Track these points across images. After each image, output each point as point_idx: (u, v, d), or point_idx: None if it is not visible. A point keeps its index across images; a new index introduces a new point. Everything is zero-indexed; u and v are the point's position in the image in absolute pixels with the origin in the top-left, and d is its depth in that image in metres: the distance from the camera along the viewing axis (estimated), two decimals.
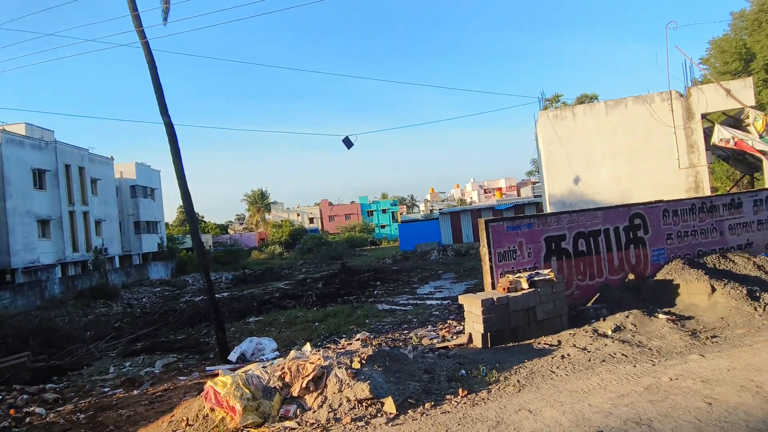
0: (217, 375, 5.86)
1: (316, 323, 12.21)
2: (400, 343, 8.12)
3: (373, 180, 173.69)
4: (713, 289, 7.90)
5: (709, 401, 4.31)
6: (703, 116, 14.62)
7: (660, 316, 7.40)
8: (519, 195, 67.79)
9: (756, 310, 7.34)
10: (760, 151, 13.14)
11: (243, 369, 5.61)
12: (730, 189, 22.33)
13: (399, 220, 66.70)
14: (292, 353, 5.85)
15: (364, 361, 5.31)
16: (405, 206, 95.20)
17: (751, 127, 13.55)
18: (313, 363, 5.24)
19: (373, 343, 7.71)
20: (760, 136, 13.16)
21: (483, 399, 4.89)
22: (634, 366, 5.48)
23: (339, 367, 5.15)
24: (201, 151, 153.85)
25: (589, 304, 8.32)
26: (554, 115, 15.87)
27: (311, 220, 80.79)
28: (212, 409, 5.07)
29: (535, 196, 49.23)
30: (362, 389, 4.85)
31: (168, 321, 15.57)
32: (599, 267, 8.89)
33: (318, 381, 5.08)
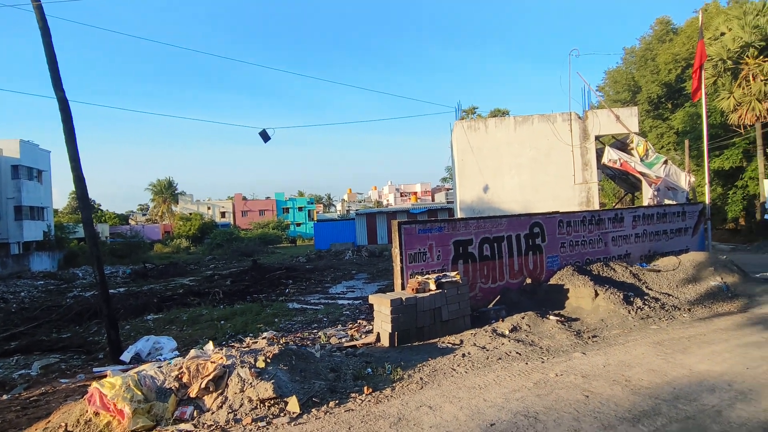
0: (105, 376, 5.37)
1: (222, 321, 11.68)
2: (309, 342, 8.03)
3: (290, 177, 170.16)
4: (596, 294, 8.79)
5: (587, 394, 4.79)
6: (597, 138, 16.25)
7: (551, 317, 8.07)
8: (433, 200, 70.32)
9: (630, 313, 8.29)
10: (641, 173, 14.88)
11: (136, 369, 5.20)
12: (615, 205, 25.01)
13: (315, 219, 66.07)
14: (192, 352, 5.53)
15: (269, 360, 5.17)
16: (322, 205, 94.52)
17: (635, 151, 15.31)
18: (214, 362, 5.00)
19: (281, 342, 7.54)
20: (641, 160, 14.92)
21: (387, 396, 4.99)
22: (526, 363, 5.93)
23: (242, 366, 4.97)
24: (100, 133, 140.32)
25: (491, 306, 8.84)
26: (468, 126, 16.69)
27: (223, 215, 77.15)
28: (96, 413, 4.63)
29: (448, 202, 51.37)
30: (265, 389, 4.72)
31: (51, 318, 13.97)
32: (501, 271, 9.50)
33: (219, 381, 4.86)
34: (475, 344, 6.81)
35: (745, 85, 26.02)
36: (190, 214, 69.38)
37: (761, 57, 25.77)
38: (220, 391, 4.78)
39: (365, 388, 5.14)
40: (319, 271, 23.74)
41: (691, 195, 15.69)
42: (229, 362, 5.02)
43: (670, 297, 9.25)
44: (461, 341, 7.03)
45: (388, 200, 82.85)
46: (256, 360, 5.12)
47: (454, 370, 5.77)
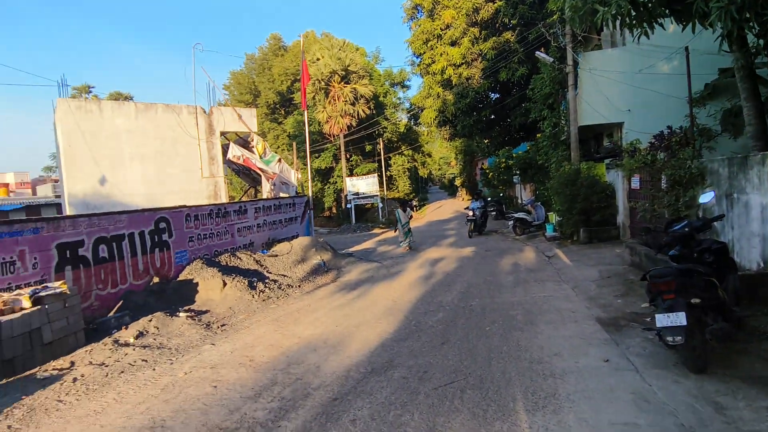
0: None
1: None
2: None
3: None
4: (225, 284, 9.22)
5: (215, 384, 4.97)
6: (222, 134, 16.89)
7: (181, 314, 7.90)
8: (35, 194, 55.66)
9: (253, 297, 9.12)
10: (260, 169, 16.53)
11: None
12: (241, 198, 26.80)
13: None
14: None
15: None
16: None
17: (255, 148, 16.83)
18: None
19: None
20: (261, 157, 16.56)
21: None
22: (154, 369, 5.59)
23: None
24: None
25: (111, 314, 7.84)
26: (78, 106, 14.06)
27: None
28: None
29: (56, 196, 41.89)
30: None
31: None
32: (123, 273, 8.56)
33: None
34: (90, 363, 5.89)
35: (334, 103, 33.03)
36: None
37: (343, 82, 33.27)
38: None
39: None
40: None
41: (300, 189, 18.67)
42: None
43: (286, 277, 10.76)
44: (72, 363, 5.93)
45: None
46: None
47: (61, 401, 4.80)
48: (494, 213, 22.44)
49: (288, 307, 8.47)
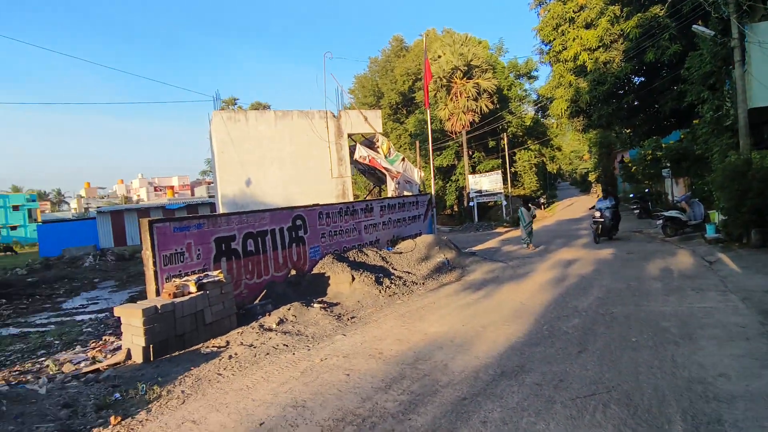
0: None
1: None
2: (30, 377, 6.39)
3: None
4: (353, 278, 9.68)
5: (348, 372, 5.23)
6: (349, 136, 17.80)
7: (315, 305, 8.50)
8: (193, 194, 65.29)
9: (380, 292, 9.43)
10: (385, 168, 17.06)
11: None
12: (366, 197, 27.97)
13: (39, 220, 52.96)
14: None
15: None
16: (49, 202, 76.62)
17: (380, 149, 17.41)
18: None
19: None
20: (385, 157, 17.08)
21: (141, 421, 4.39)
22: (293, 354, 6.09)
23: None
24: None
25: (257, 302, 8.75)
26: (228, 117, 15.99)
27: None
28: None
29: (209, 197, 48.52)
30: None
31: None
32: (266, 265, 9.49)
33: None
34: (242, 343, 6.63)
35: (455, 100, 32.65)
36: None
37: (465, 78, 32.71)
38: None
39: (112, 418, 4.40)
40: (47, 283, 19.25)
41: (422, 187, 18.85)
42: None
43: (410, 274, 10.93)
44: (227, 342, 6.74)
45: (139, 195, 72.72)
46: None
47: (220, 374, 5.49)
48: (637, 211, 20.16)
49: (413, 304, 8.59)
